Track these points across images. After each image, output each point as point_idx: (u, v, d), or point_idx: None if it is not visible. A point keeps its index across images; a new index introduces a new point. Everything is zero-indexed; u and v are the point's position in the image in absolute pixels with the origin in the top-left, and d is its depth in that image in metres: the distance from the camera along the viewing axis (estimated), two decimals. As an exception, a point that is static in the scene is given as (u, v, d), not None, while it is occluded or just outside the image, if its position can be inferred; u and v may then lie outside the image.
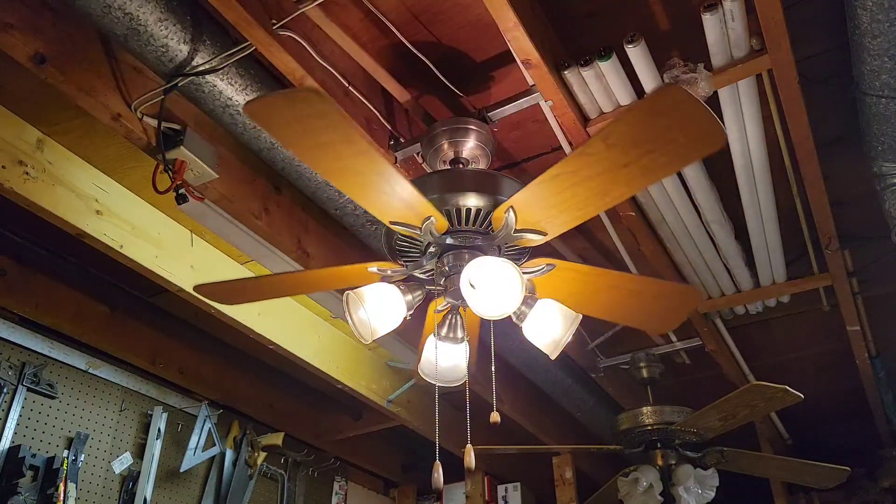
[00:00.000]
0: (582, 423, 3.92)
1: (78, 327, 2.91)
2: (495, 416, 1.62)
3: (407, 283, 1.77)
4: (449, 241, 1.70)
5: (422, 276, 1.80)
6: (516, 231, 1.61)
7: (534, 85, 1.96)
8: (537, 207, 1.54)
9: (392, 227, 1.64)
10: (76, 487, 2.75)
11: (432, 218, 1.61)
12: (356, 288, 1.72)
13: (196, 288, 1.91)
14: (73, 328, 2.90)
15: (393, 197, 1.53)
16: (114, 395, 3.11)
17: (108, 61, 1.92)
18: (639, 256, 2.79)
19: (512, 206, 1.57)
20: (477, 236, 1.71)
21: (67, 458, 2.76)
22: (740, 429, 3.12)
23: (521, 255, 1.75)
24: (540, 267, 1.75)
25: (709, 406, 2.92)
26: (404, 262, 1.79)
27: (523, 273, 1.72)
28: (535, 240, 1.63)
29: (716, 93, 1.98)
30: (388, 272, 1.76)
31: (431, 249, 1.74)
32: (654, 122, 1.27)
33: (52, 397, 2.84)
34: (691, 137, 1.28)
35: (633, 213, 2.46)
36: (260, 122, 1.33)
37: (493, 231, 1.68)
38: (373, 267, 1.74)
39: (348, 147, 1.38)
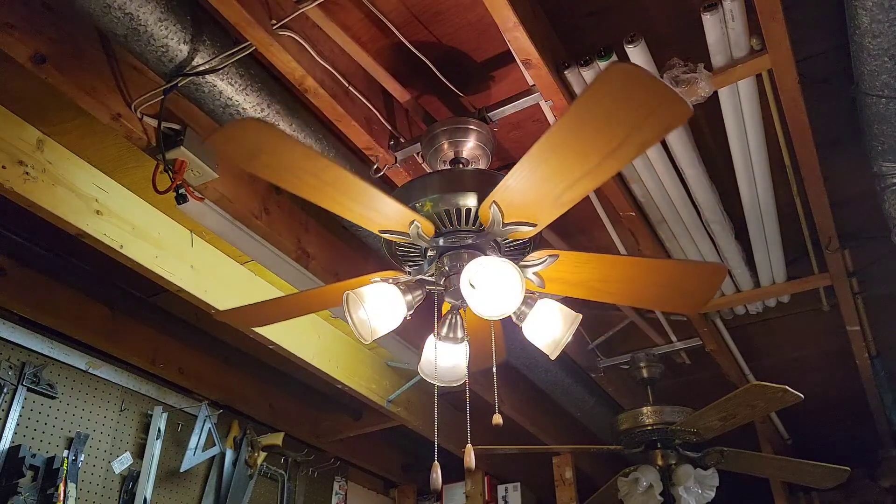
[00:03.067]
0: (582, 423, 3.92)
1: (78, 327, 2.90)
2: (498, 419, 1.62)
3: (407, 283, 1.77)
4: (442, 242, 1.71)
5: (429, 278, 1.80)
6: (505, 225, 1.60)
7: (534, 85, 1.96)
8: (519, 199, 1.53)
9: (381, 235, 1.66)
10: (76, 487, 2.75)
11: (415, 222, 1.62)
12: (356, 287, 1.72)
13: (217, 314, 1.96)
14: (73, 328, 2.89)
15: (371, 207, 1.54)
16: (114, 395, 3.11)
17: (108, 61, 1.92)
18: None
19: (494, 201, 1.56)
20: (470, 235, 1.71)
21: (67, 458, 2.76)
22: (740, 429, 3.12)
23: (521, 249, 1.74)
24: (543, 259, 1.73)
25: (709, 406, 2.92)
26: (409, 268, 1.80)
27: (527, 267, 1.73)
28: (527, 231, 1.62)
29: (716, 93, 1.98)
30: (401, 280, 1.76)
31: (430, 253, 1.74)
32: (612, 101, 1.25)
33: (52, 397, 2.84)
34: (653, 112, 1.26)
35: (633, 213, 2.46)
36: (224, 157, 1.34)
37: (484, 228, 1.67)
38: (376, 277, 1.75)
39: (311, 167, 1.41)
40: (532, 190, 1.49)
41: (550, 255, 1.72)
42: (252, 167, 1.46)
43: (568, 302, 1.85)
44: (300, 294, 1.93)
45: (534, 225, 1.60)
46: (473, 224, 1.69)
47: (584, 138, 1.33)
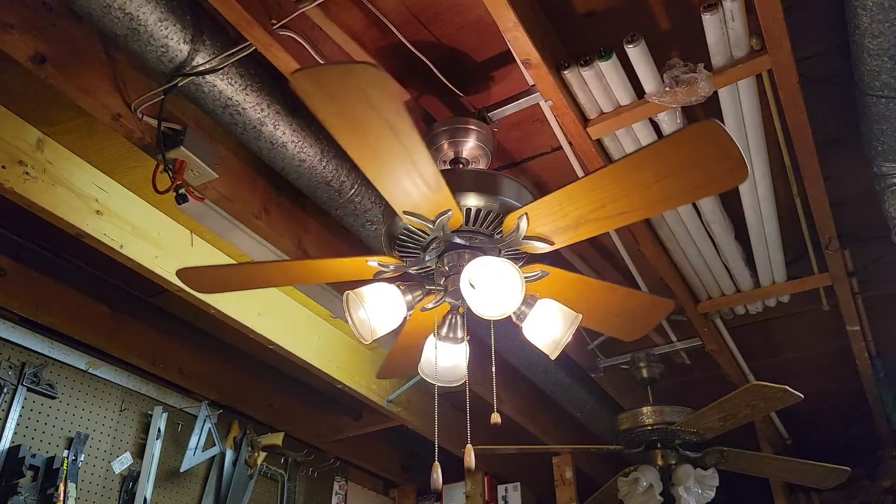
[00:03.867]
0: (582, 423, 3.92)
1: (78, 327, 2.91)
2: (496, 418, 1.62)
3: (407, 282, 1.77)
4: (456, 239, 1.70)
5: (417, 271, 1.80)
6: (525, 238, 1.62)
7: (534, 85, 1.97)
8: (551, 218, 1.55)
9: (404, 216, 1.61)
10: (76, 487, 2.75)
11: (450, 212, 1.60)
12: (356, 287, 1.72)
13: (179, 272, 1.87)
14: (73, 328, 2.89)
15: (417, 185, 1.50)
16: (114, 395, 3.11)
17: (108, 61, 1.92)
18: (639, 256, 2.79)
19: (527, 213, 1.57)
20: (482, 237, 1.71)
21: (67, 458, 2.76)
22: (740, 429, 3.12)
23: (517, 259, 1.76)
24: (535, 273, 1.77)
25: (709, 406, 2.92)
26: (403, 257, 1.79)
27: None
28: (540, 248, 1.64)
29: (716, 93, 1.98)
30: (389, 267, 1.76)
31: (434, 246, 1.73)
32: (686, 152, 1.30)
33: (52, 397, 2.84)
34: (717, 172, 1.31)
35: (633, 213, 2.46)
36: (303, 92, 1.30)
37: (500, 235, 1.68)
38: (373, 261, 1.74)
39: (389, 126, 1.35)
40: (566, 214, 1.52)
41: (542, 272, 1.77)
42: (324, 109, 1.35)
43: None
44: (272, 263, 1.91)
45: (551, 244, 1.63)
46: (490, 228, 1.69)
47: (641, 180, 1.36)
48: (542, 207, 1.54)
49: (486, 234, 1.71)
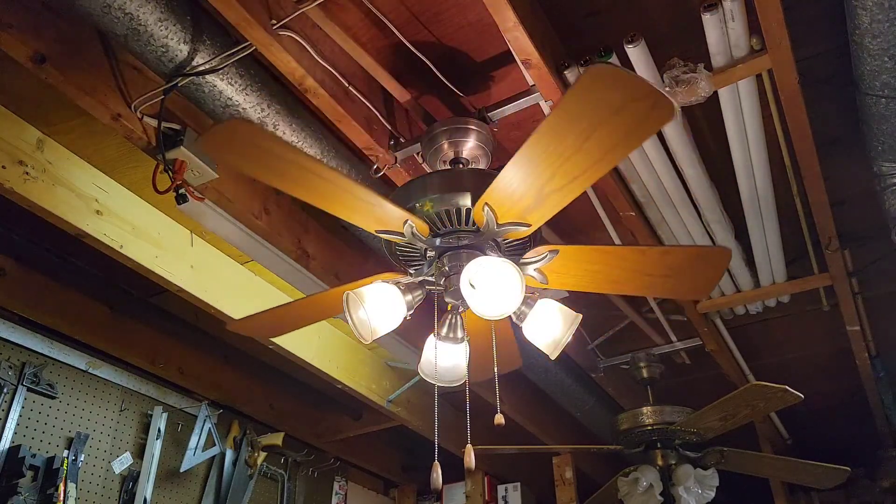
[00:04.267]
0: (582, 423, 3.92)
1: (78, 327, 2.91)
2: (499, 419, 1.61)
3: (407, 283, 1.77)
4: (439, 243, 1.71)
5: (429, 279, 1.80)
6: (500, 226, 1.61)
7: (534, 85, 1.96)
8: (511, 200, 1.53)
9: (378, 234, 1.66)
10: (76, 487, 2.75)
11: (409, 221, 1.62)
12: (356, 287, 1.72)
13: (231, 326, 1.96)
14: (73, 328, 2.90)
15: (365, 208, 1.55)
16: (114, 395, 3.11)
17: (108, 61, 1.92)
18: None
19: (486, 203, 1.56)
20: (467, 235, 1.71)
21: (67, 458, 2.76)
22: (740, 429, 3.12)
23: (521, 247, 1.74)
24: (543, 255, 1.73)
25: (709, 406, 2.92)
26: (411, 269, 1.80)
27: (527, 264, 1.73)
28: (522, 231, 1.63)
29: (716, 93, 1.98)
30: (402, 282, 1.77)
31: (430, 253, 1.74)
32: (596, 103, 1.25)
33: (52, 397, 2.84)
34: (640, 112, 1.25)
35: (633, 214, 2.46)
36: (216, 157, 1.35)
37: (480, 229, 1.67)
38: (396, 279, 1.75)
39: (300, 167, 1.41)
40: (522, 191, 1.49)
41: (551, 251, 1.72)
42: (245, 169, 1.46)
43: (569, 301, 1.85)
44: (313, 297, 1.92)
45: (528, 225, 1.61)
46: (470, 224, 1.69)
47: (569, 141, 1.33)
48: (495, 192, 1.52)
49: (470, 232, 1.71)
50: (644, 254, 1.78)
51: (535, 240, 1.73)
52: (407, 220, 1.62)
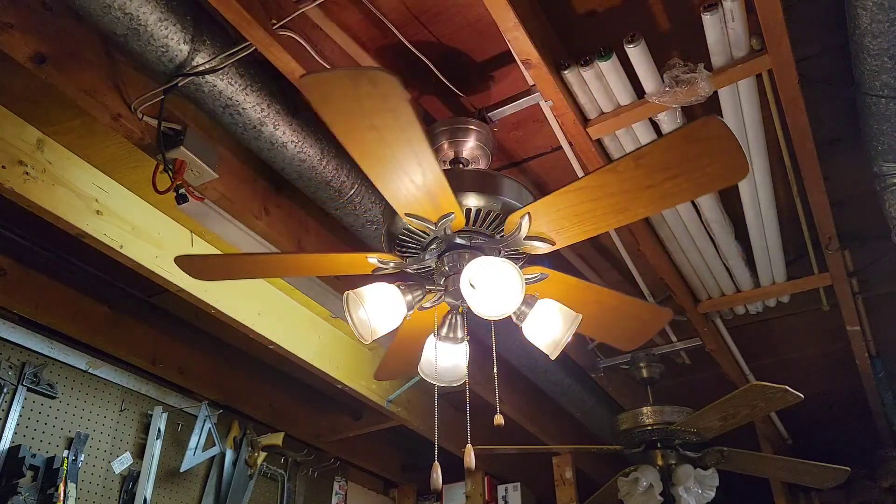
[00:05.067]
0: (582, 423, 3.92)
1: (78, 327, 2.90)
2: (499, 419, 1.62)
3: (407, 282, 1.77)
4: (457, 239, 1.70)
5: (417, 270, 1.80)
6: (526, 238, 1.62)
7: (534, 85, 1.96)
8: (552, 217, 1.55)
9: (406, 218, 1.61)
10: (76, 487, 2.75)
11: (452, 215, 1.60)
12: (356, 287, 1.72)
13: (177, 259, 1.87)
14: (73, 328, 2.89)
15: (420, 187, 1.51)
16: (114, 395, 3.11)
17: (108, 61, 1.92)
18: (639, 256, 2.79)
19: (529, 213, 1.57)
20: (483, 238, 1.71)
21: (67, 458, 2.76)
22: (740, 429, 3.12)
23: (517, 261, 1.75)
24: (535, 275, 1.77)
25: (709, 406, 2.92)
26: (403, 256, 1.79)
27: None
28: (542, 248, 1.64)
29: (716, 93, 1.98)
30: (389, 264, 1.76)
31: (434, 246, 1.73)
32: (688, 150, 1.29)
33: (52, 397, 2.84)
34: (719, 169, 1.31)
35: (633, 213, 2.46)
36: (311, 96, 1.30)
37: (501, 235, 1.68)
38: (372, 257, 1.74)
39: (400, 130, 1.35)
40: (569, 213, 1.52)
41: (542, 274, 1.77)
42: (331, 113, 1.36)
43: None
44: (272, 255, 1.92)
45: (552, 244, 1.63)
46: (491, 228, 1.69)
47: (642, 175, 1.36)
48: (544, 207, 1.54)
49: (486, 235, 1.71)
50: (611, 298, 1.92)
51: (532, 256, 1.76)
52: (452, 213, 1.58)
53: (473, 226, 1.69)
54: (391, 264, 1.76)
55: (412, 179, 1.48)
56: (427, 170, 1.45)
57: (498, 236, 1.70)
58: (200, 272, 1.99)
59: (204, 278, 2.01)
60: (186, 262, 1.89)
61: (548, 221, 1.57)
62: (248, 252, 2.00)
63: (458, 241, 1.70)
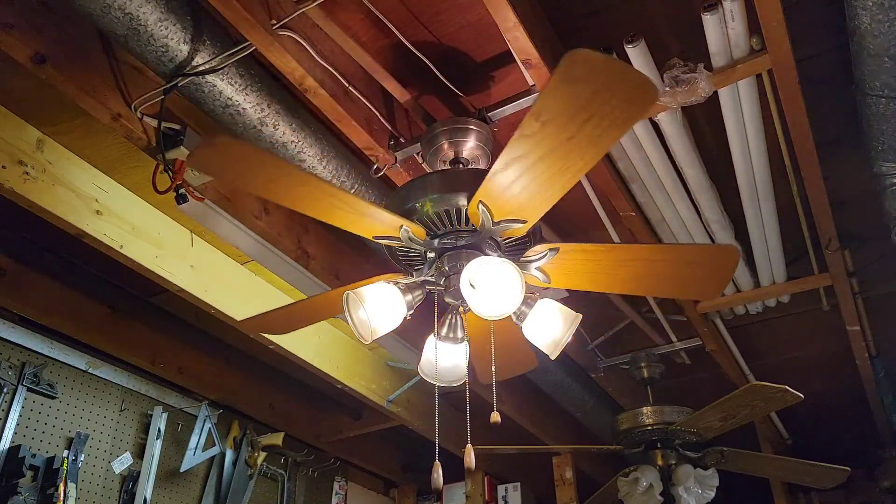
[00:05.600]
0: (582, 423, 3.92)
1: (78, 327, 2.90)
2: (496, 417, 1.62)
3: (407, 282, 1.77)
4: (438, 244, 1.71)
5: (430, 279, 1.80)
6: (496, 223, 1.60)
7: (534, 85, 1.96)
8: (504, 197, 1.52)
9: (376, 240, 1.67)
10: (76, 487, 2.75)
11: (404, 226, 1.63)
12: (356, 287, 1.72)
13: (241, 323, 1.99)
14: (73, 328, 2.89)
15: (357, 215, 1.56)
16: (114, 395, 3.11)
17: (108, 61, 1.92)
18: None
19: (481, 201, 1.56)
20: (465, 235, 1.71)
21: (67, 458, 2.76)
22: (740, 429, 3.12)
23: (521, 246, 1.73)
24: (543, 253, 1.71)
25: (709, 406, 2.92)
26: (412, 270, 1.80)
27: (528, 263, 1.72)
28: (519, 228, 1.62)
29: (716, 93, 1.98)
30: (402, 282, 1.77)
31: (429, 255, 1.74)
32: (577, 90, 1.23)
33: (52, 397, 2.84)
34: (622, 97, 1.24)
35: (633, 213, 2.46)
36: (207, 172, 1.36)
37: (477, 228, 1.67)
38: (399, 280, 1.75)
39: (292, 179, 1.43)
40: (514, 186, 1.49)
41: (551, 249, 1.71)
42: (237, 183, 1.49)
43: (569, 301, 1.85)
44: (322, 296, 1.92)
45: (524, 221, 1.60)
46: (467, 224, 1.69)
47: (554, 131, 1.32)
48: (489, 190, 1.51)
49: (467, 232, 1.70)
50: (648, 251, 1.77)
51: (534, 238, 1.72)
52: (402, 226, 1.63)
53: (452, 226, 1.69)
54: (409, 280, 1.78)
55: (343, 211, 1.56)
56: (344, 199, 1.52)
57: (477, 229, 1.68)
58: (270, 328, 2.10)
59: (282, 332, 2.10)
60: (253, 324, 2.00)
61: (504, 201, 1.54)
62: (301, 300, 2.02)
63: (444, 244, 1.72)
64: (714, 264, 1.76)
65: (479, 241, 1.70)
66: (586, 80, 1.21)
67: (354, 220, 1.60)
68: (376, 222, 1.62)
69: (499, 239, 1.71)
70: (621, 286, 1.85)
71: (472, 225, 1.67)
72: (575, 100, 1.25)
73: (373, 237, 1.66)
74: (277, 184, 1.46)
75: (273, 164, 1.43)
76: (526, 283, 1.56)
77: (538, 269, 1.74)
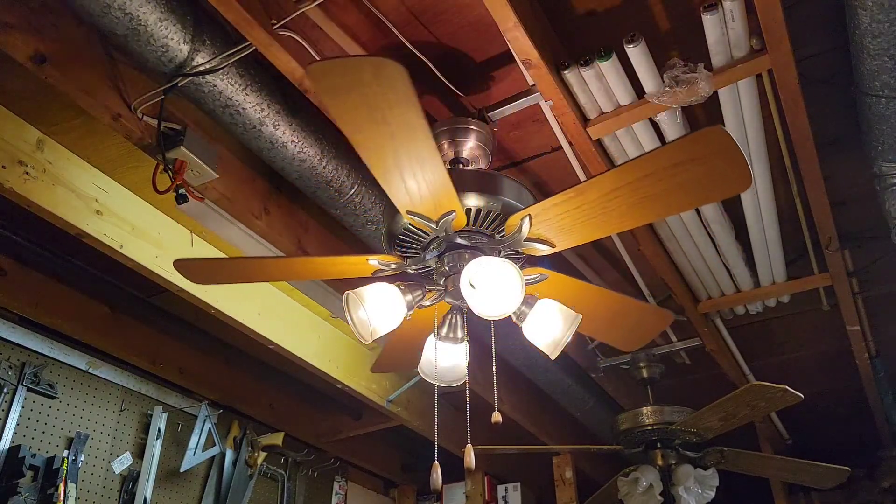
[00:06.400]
0: (582, 423, 3.92)
1: (78, 327, 2.91)
2: (497, 416, 1.62)
3: (407, 282, 1.77)
4: (457, 239, 1.70)
5: (417, 271, 1.80)
6: (527, 239, 1.62)
7: (534, 85, 1.96)
8: (554, 220, 1.55)
9: (408, 216, 1.62)
10: (76, 487, 2.75)
11: (453, 213, 1.60)
12: (356, 287, 1.72)
13: (176, 263, 1.86)
14: (73, 328, 2.89)
15: (423, 185, 1.50)
16: (114, 395, 3.11)
17: (108, 61, 1.92)
18: (639, 256, 2.79)
19: (529, 215, 1.57)
20: (483, 238, 1.71)
21: (67, 458, 2.76)
22: (740, 429, 3.12)
23: (517, 261, 1.75)
24: (534, 276, 1.77)
25: (709, 406, 2.92)
26: (403, 256, 1.79)
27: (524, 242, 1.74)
28: (541, 250, 1.64)
29: (716, 93, 1.98)
30: (390, 266, 1.76)
31: (435, 245, 1.73)
32: (692, 158, 1.27)
33: (52, 397, 2.84)
34: (722, 179, 1.29)
35: (633, 213, 2.46)
36: (318, 85, 1.28)
37: (501, 235, 1.68)
38: (373, 259, 1.74)
39: (406, 124, 1.33)
40: (569, 217, 1.51)
41: (541, 275, 1.76)
42: (336, 103, 1.34)
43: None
44: (272, 258, 1.92)
45: (552, 246, 1.62)
46: (492, 228, 1.69)
47: (644, 189, 1.35)
48: (546, 209, 1.54)
49: (487, 235, 1.71)
50: (611, 299, 1.91)
51: (531, 257, 1.75)
52: (453, 211, 1.58)
53: (473, 226, 1.69)
54: (392, 266, 1.76)
55: (414, 176, 1.47)
56: (431, 167, 1.44)
57: (498, 236, 1.70)
58: (199, 276, 1.98)
59: (203, 282, 2.00)
60: (185, 266, 1.88)
61: (548, 224, 1.57)
62: (248, 256, 1.99)
63: (459, 240, 1.70)
64: (648, 322, 2.02)
65: (487, 246, 1.71)
66: (706, 155, 1.25)
67: (410, 176, 1.51)
68: (427, 192, 1.54)
69: (504, 249, 1.71)
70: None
71: (499, 232, 1.69)
72: (685, 165, 1.28)
73: (406, 211, 1.62)
74: (380, 123, 1.37)
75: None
76: (526, 283, 1.57)
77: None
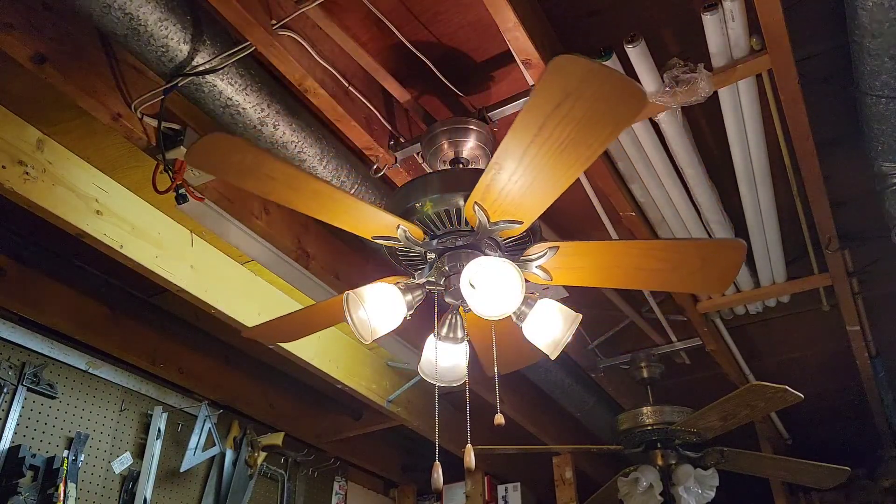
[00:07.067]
0: (582, 423, 3.92)
1: (78, 327, 2.90)
2: (499, 419, 1.61)
3: (407, 282, 1.77)
4: (437, 244, 1.71)
5: (430, 279, 1.80)
6: (493, 224, 1.61)
7: (534, 85, 1.96)
8: (499, 198, 1.53)
9: (374, 241, 1.67)
10: (76, 487, 2.75)
11: (401, 226, 1.63)
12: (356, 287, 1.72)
13: (246, 332, 2.00)
14: (73, 328, 2.89)
15: (356, 215, 1.56)
16: (114, 395, 3.11)
17: (108, 61, 1.92)
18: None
19: (476, 202, 1.56)
20: (463, 235, 1.71)
21: (67, 458, 2.76)
22: (740, 429, 3.12)
23: (520, 245, 1.73)
24: (543, 252, 1.71)
25: (709, 406, 2.92)
26: (413, 271, 1.80)
27: (529, 262, 1.73)
28: (515, 228, 1.62)
29: (716, 93, 1.98)
30: (402, 282, 1.77)
31: (430, 255, 1.74)
32: (564, 95, 1.24)
33: (52, 397, 2.84)
34: (609, 100, 1.25)
35: (633, 213, 2.46)
36: (205, 169, 1.37)
37: (475, 228, 1.67)
38: (400, 282, 1.75)
39: (290, 178, 1.44)
40: (508, 188, 1.49)
41: (551, 248, 1.71)
42: (234, 181, 1.49)
43: (570, 301, 1.85)
44: (327, 302, 1.92)
45: (520, 222, 1.61)
46: (466, 224, 1.69)
47: (546, 133, 1.33)
48: (484, 191, 1.52)
49: (465, 232, 1.71)
50: (649, 248, 1.77)
51: (534, 237, 1.72)
52: (399, 226, 1.63)
53: (450, 226, 1.69)
54: (411, 282, 1.78)
55: (340, 210, 1.55)
56: (340, 199, 1.53)
57: (474, 230, 1.69)
58: (269, 337, 2.11)
59: (282, 341, 2.09)
60: (259, 332, 2.04)
61: (500, 203, 1.54)
62: (308, 306, 2.01)
63: (443, 245, 1.72)
64: (718, 259, 1.72)
65: (477, 241, 1.70)
66: (573, 86, 1.23)
67: (353, 220, 1.60)
68: (375, 223, 1.62)
69: (498, 239, 1.71)
70: (622, 282, 1.84)
71: (470, 225, 1.67)
72: (563, 104, 1.26)
73: (372, 237, 1.66)
74: (276, 182, 1.46)
75: (271, 162, 1.42)
76: (527, 282, 1.56)
77: (539, 267, 1.74)
